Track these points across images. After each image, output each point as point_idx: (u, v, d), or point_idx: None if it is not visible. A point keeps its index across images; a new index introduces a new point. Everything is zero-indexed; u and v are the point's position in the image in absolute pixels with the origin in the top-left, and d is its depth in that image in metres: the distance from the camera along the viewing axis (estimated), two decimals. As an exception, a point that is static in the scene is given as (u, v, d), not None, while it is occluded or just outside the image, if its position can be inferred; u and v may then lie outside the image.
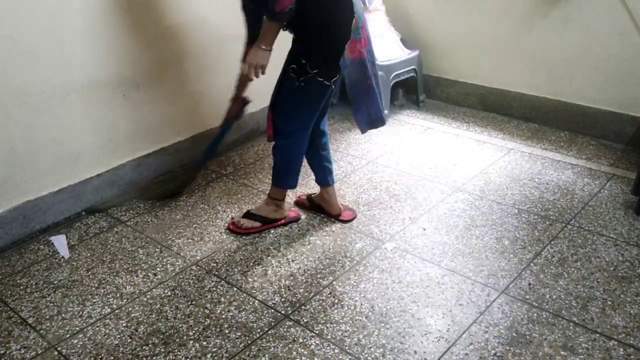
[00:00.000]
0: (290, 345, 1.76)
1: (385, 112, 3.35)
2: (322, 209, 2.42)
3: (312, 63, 1.97)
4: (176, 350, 1.76)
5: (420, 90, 3.55)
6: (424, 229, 2.32)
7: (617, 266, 2.04)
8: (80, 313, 1.94)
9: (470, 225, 2.33)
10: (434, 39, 3.51)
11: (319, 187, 2.41)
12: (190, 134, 2.90)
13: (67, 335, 1.84)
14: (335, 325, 1.83)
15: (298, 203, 2.52)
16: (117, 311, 1.94)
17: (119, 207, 2.56)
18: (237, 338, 1.80)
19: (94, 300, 2.00)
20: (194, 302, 1.97)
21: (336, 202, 2.39)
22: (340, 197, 2.50)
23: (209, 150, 2.54)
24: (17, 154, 2.27)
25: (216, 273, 2.12)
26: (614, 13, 2.77)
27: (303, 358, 1.71)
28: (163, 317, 1.91)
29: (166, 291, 2.03)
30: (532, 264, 2.07)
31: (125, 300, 1.99)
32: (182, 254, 2.24)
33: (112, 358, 1.74)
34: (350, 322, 1.84)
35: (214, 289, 2.03)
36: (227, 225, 2.40)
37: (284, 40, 2.03)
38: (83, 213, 2.53)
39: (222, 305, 1.94)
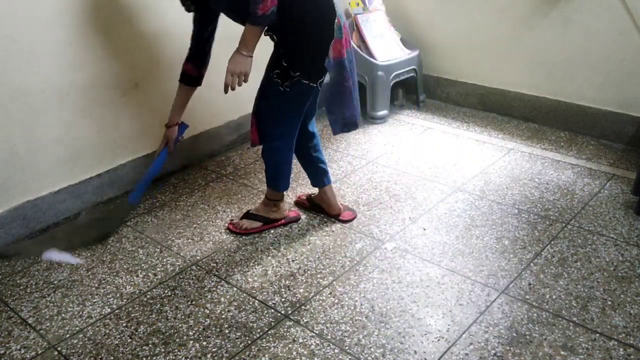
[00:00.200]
0: (290, 345, 1.76)
1: (385, 111, 3.38)
2: (322, 209, 2.42)
3: (295, 66, 1.94)
4: (176, 350, 1.76)
5: (420, 90, 3.55)
6: (424, 229, 2.32)
7: (617, 266, 2.04)
8: (80, 313, 1.94)
9: (470, 225, 2.33)
10: (434, 39, 3.51)
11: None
12: (190, 134, 2.89)
13: (67, 335, 1.84)
14: (335, 325, 1.83)
15: (298, 203, 2.52)
16: (117, 311, 1.94)
17: (25, 258, 2.26)
18: (237, 338, 1.80)
19: (94, 300, 2.00)
20: (194, 302, 1.97)
21: (336, 202, 2.39)
22: (340, 197, 2.50)
23: (143, 186, 2.39)
24: (17, 153, 2.27)
25: (216, 273, 2.12)
26: (614, 13, 2.77)
27: (303, 358, 1.71)
28: (163, 317, 1.91)
29: (166, 291, 2.03)
30: (532, 264, 2.07)
31: (125, 300, 1.99)
32: (182, 254, 2.24)
33: (112, 358, 1.74)
34: (350, 322, 1.84)
35: (214, 289, 2.03)
36: (226, 226, 2.40)
37: (266, 44, 2.00)
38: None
39: (222, 305, 1.94)
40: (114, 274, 2.14)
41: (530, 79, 3.20)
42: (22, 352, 1.79)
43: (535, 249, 2.16)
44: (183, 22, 2.65)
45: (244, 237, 2.33)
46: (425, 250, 2.18)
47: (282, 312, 1.90)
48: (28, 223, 2.37)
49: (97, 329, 1.87)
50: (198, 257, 2.21)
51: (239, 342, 1.78)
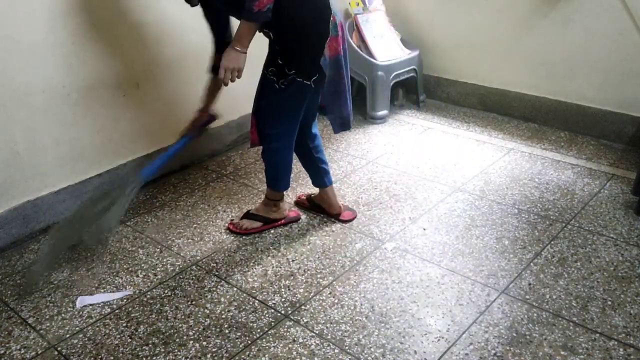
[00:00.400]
0: (290, 345, 1.76)
1: (385, 111, 3.38)
2: (322, 209, 2.42)
3: (291, 64, 1.94)
4: (176, 350, 1.76)
5: (420, 90, 3.55)
6: (424, 229, 2.32)
7: (617, 266, 2.04)
8: (80, 313, 1.94)
9: (470, 225, 2.33)
10: (434, 39, 3.51)
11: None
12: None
13: (67, 335, 1.84)
14: (335, 325, 1.83)
15: (298, 203, 2.52)
16: (117, 311, 1.94)
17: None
18: (237, 338, 1.80)
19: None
20: (194, 302, 1.97)
21: (336, 202, 2.39)
22: (340, 197, 2.50)
23: (158, 163, 2.28)
24: (17, 153, 2.27)
25: (216, 273, 2.12)
26: (614, 13, 2.77)
27: (303, 358, 1.71)
28: (163, 317, 1.91)
29: (166, 291, 2.03)
30: (532, 264, 2.07)
31: (125, 300, 1.99)
32: (182, 254, 2.24)
33: (112, 358, 1.75)
34: (350, 322, 1.84)
35: (214, 289, 2.03)
36: (226, 226, 2.40)
37: (263, 41, 2.00)
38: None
39: (222, 305, 1.94)
40: (114, 274, 2.14)
41: (530, 79, 3.20)
42: (22, 352, 1.79)
43: (535, 249, 2.16)
44: (184, 23, 2.67)
45: (244, 237, 2.33)
46: (425, 250, 2.18)
47: (282, 312, 1.90)
48: (28, 223, 2.37)
49: (97, 329, 1.87)
50: (198, 257, 2.21)
51: (239, 342, 1.78)
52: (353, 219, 2.40)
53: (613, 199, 2.47)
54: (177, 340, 1.80)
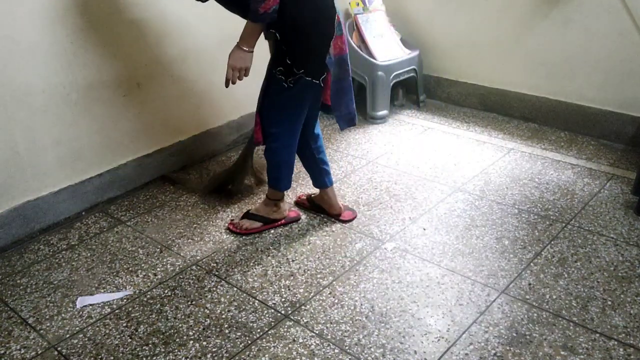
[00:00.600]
0: (290, 345, 1.76)
1: (386, 111, 3.38)
2: (323, 209, 2.42)
3: (299, 63, 1.96)
4: (176, 350, 1.76)
5: (420, 90, 3.55)
6: (424, 229, 2.32)
7: (617, 266, 2.04)
8: (80, 313, 1.94)
9: (470, 225, 2.33)
10: (434, 39, 3.51)
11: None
12: (192, 133, 2.90)
13: (67, 335, 1.84)
14: (335, 325, 1.83)
15: (298, 203, 2.52)
16: (117, 311, 1.94)
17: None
18: (237, 338, 1.80)
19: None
20: (194, 302, 1.97)
21: (336, 202, 2.39)
22: (340, 197, 2.50)
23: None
24: (17, 153, 2.27)
25: (216, 273, 2.12)
26: (614, 13, 2.77)
27: (303, 358, 1.71)
28: (163, 317, 1.91)
29: (166, 291, 2.03)
30: (532, 264, 2.07)
31: (125, 300, 1.99)
32: (182, 254, 2.24)
33: (112, 358, 1.75)
34: (350, 322, 1.84)
35: (214, 289, 2.03)
36: (226, 226, 2.40)
37: (264, 40, 2.01)
38: (83, 213, 2.54)
39: (222, 305, 1.94)
40: (114, 274, 2.14)
41: (530, 79, 3.20)
42: (22, 352, 1.79)
43: (535, 249, 2.16)
44: (185, 22, 2.67)
45: (244, 237, 2.33)
46: (425, 250, 2.18)
47: (282, 312, 1.90)
48: (28, 223, 2.37)
49: (97, 329, 1.87)
50: (198, 257, 2.21)
51: (239, 342, 1.78)
52: (353, 219, 2.40)
53: (613, 199, 2.47)
54: (177, 340, 1.80)
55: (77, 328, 1.87)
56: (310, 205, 2.47)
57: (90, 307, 1.97)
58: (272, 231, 2.35)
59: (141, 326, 1.87)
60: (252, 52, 1.93)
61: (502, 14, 3.16)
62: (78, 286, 2.08)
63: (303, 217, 2.44)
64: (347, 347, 1.73)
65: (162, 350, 1.77)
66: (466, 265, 2.09)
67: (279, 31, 1.94)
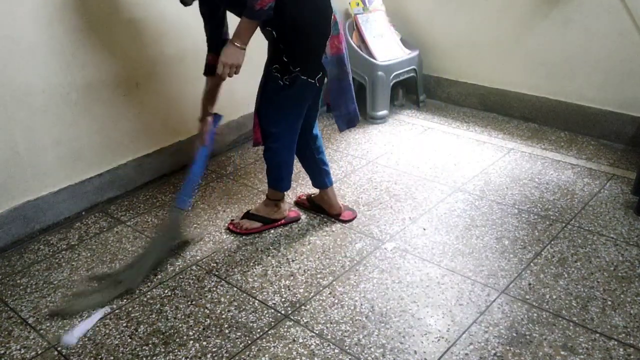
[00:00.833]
0: (290, 345, 1.76)
1: (385, 111, 3.38)
2: (322, 209, 2.42)
3: (296, 62, 1.95)
4: (176, 350, 1.76)
5: (420, 90, 3.55)
6: (424, 229, 2.32)
7: (617, 266, 2.04)
8: (81, 313, 1.94)
9: (470, 225, 2.33)
10: (434, 39, 3.51)
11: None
12: (192, 133, 2.89)
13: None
14: (335, 325, 1.83)
15: (298, 203, 2.52)
16: (117, 311, 1.94)
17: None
18: (237, 338, 1.80)
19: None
20: (194, 302, 1.97)
21: (336, 202, 2.39)
22: (340, 197, 2.50)
23: (190, 188, 2.19)
24: (17, 153, 2.27)
25: (216, 273, 2.12)
26: (614, 13, 2.77)
27: (303, 358, 1.71)
28: (163, 317, 1.91)
29: (166, 291, 2.03)
30: (532, 264, 2.07)
31: (125, 300, 1.99)
32: (182, 254, 2.24)
33: (112, 358, 1.75)
34: (350, 322, 1.84)
35: (214, 289, 2.03)
36: (226, 226, 2.40)
37: (264, 40, 2.00)
38: (83, 213, 2.54)
39: (222, 305, 1.94)
40: (114, 274, 2.14)
41: (530, 79, 3.20)
42: (22, 352, 1.79)
43: (535, 249, 2.16)
44: (183, 22, 2.67)
45: (244, 237, 2.33)
46: (425, 250, 2.18)
47: (282, 312, 1.90)
48: (28, 223, 2.37)
49: (97, 329, 1.87)
50: (198, 257, 2.21)
51: (239, 342, 1.78)
52: (353, 218, 2.40)
53: (613, 199, 2.47)
54: (177, 340, 1.80)
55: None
56: (310, 205, 2.47)
57: (87, 314, 1.97)
58: (272, 231, 2.35)
59: (141, 326, 1.87)
60: (245, 49, 1.91)
61: (502, 14, 3.16)
62: (78, 286, 2.08)
63: (303, 217, 2.44)
64: (347, 347, 1.73)
65: (162, 350, 1.76)
66: (466, 265, 2.09)
67: (276, 29, 1.93)
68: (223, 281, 2.07)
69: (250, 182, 2.77)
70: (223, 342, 1.78)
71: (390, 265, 2.11)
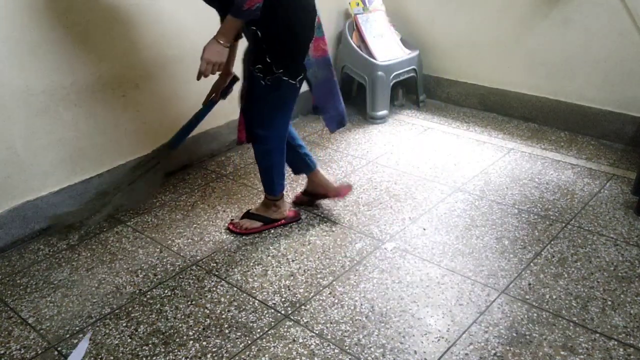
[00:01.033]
0: (290, 345, 1.76)
1: (385, 111, 3.38)
2: (321, 195, 2.42)
3: (279, 63, 1.94)
4: (176, 350, 1.76)
5: (420, 90, 3.55)
6: (424, 229, 2.32)
7: (617, 266, 2.04)
8: (80, 313, 1.94)
9: (470, 225, 2.33)
10: (434, 39, 3.51)
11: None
12: (191, 133, 2.89)
13: (67, 335, 1.84)
14: (335, 325, 1.83)
15: (297, 202, 2.52)
16: (117, 311, 1.94)
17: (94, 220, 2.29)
18: (237, 338, 1.80)
19: (94, 300, 2.00)
20: (194, 302, 1.97)
21: (330, 183, 2.39)
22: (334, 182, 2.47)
23: (185, 131, 2.28)
24: (17, 153, 2.27)
25: (216, 273, 2.12)
26: (614, 13, 2.77)
27: (303, 358, 1.71)
28: (163, 317, 1.91)
29: (166, 291, 2.03)
30: (532, 264, 2.07)
31: (125, 300, 1.99)
32: (182, 254, 2.24)
33: (112, 358, 1.75)
34: (350, 322, 1.84)
35: (214, 289, 2.03)
36: (226, 226, 2.40)
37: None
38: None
39: (222, 305, 1.94)
40: (114, 274, 2.14)
41: (530, 79, 3.20)
42: (22, 352, 1.79)
43: (535, 249, 2.16)
44: (182, 22, 2.67)
45: (244, 237, 2.33)
46: (425, 250, 2.18)
47: (282, 312, 1.90)
48: (28, 223, 2.37)
49: (97, 329, 1.87)
50: (198, 257, 2.21)
51: (239, 342, 1.78)
52: (351, 189, 2.46)
53: (613, 199, 2.47)
54: (177, 340, 1.80)
55: (77, 328, 1.87)
56: (308, 197, 2.47)
57: (90, 307, 1.97)
58: (272, 231, 2.35)
59: (141, 326, 1.87)
60: (229, 46, 1.90)
61: (502, 14, 3.16)
62: (78, 286, 2.08)
63: (303, 217, 2.44)
64: (347, 347, 1.73)
65: (162, 350, 1.76)
66: (466, 265, 2.09)
67: (261, 29, 1.91)
68: (223, 281, 2.07)
69: (250, 182, 2.77)
70: (223, 342, 1.78)
71: (390, 265, 2.11)
